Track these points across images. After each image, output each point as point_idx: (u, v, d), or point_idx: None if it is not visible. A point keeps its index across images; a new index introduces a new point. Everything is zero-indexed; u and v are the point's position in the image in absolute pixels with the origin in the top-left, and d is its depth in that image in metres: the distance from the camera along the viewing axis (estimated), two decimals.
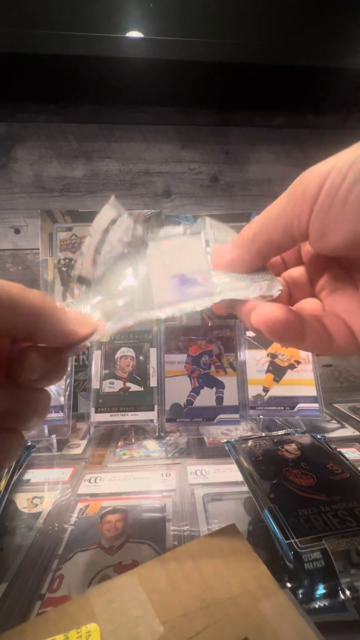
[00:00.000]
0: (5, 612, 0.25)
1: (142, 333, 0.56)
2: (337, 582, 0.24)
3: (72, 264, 0.65)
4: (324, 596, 0.23)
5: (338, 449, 0.41)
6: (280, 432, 0.47)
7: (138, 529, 0.32)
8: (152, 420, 0.52)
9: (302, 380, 0.54)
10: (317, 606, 0.23)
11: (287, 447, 0.41)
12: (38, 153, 0.70)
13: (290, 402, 0.53)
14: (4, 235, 0.71)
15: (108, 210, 0.26)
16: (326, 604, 0.23)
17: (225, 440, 0.44)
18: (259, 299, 0.21)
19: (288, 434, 0.46)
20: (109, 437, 0.53)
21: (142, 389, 0.53)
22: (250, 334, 0.56)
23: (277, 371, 0.54)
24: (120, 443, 0.51)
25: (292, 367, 0.54)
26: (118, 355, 0.55)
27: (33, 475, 0.42)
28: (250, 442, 0.43)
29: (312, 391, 0.53)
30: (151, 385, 0.53)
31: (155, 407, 0.52)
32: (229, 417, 0.51)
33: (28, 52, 0.55)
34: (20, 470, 0.42)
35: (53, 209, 0.67)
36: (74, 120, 0.70)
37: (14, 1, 0.55)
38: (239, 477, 0.38)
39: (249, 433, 0.51)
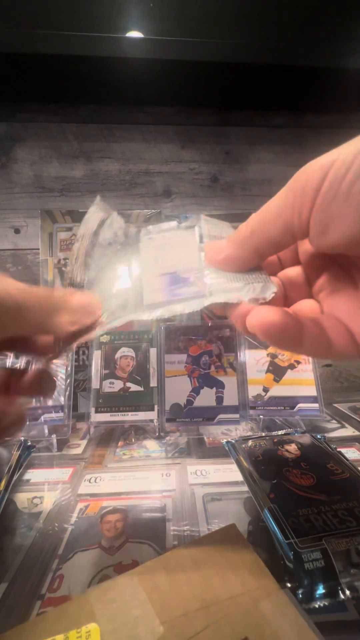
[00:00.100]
0: (5, 612, 0.25)
1: (142, 333, 0.56)
2: (337, 582, 0.24)
3: None
4: (324, 596, 0.23)
5: (338, 449, 0.41)
6: (280, 432, 0.47)
7: (138, 529, 0.32)
8: (152, 420, 0.52)
9: (302, 380, 0.54)
10: (317, 606, 0.23)
11: (287, 447, 0.41)
12: (38, 153, 0.70)
13: (290, 402, 0.53)
14: (4, 235, 0.71)
15: (95, 212, 0.25)
16: (326, 603, 0.23)
17: (225, 440, 0.44)
18: (251, 301, 0.20)
19: (288, 434, 0.46)
20: (109, 437, 0.53)
21: (142, 389, 0.53)
22: None
23: (277, 371, 0.54)
24: (120, 443, 0.51)
25: (292, 367, 0.54)
26: (118, 355, 0.55)
27: (33, 475, 0.42)
28: (250, 442, 0.43)
29: (312, 391, 0.53)
30: (151, 385, 0.53)
31: (155, 407, 0.52)
32: (229, 417, 0.51)
33: (28, 52, 0.55)
34: (21, 470, 0.42)
35: (53, 209, 0.67)
36: (74, 120, 0.70)
37: (14, 1, 0.55)
38: (239, 477, 0.38)
39: (249, 433, 0.51)
